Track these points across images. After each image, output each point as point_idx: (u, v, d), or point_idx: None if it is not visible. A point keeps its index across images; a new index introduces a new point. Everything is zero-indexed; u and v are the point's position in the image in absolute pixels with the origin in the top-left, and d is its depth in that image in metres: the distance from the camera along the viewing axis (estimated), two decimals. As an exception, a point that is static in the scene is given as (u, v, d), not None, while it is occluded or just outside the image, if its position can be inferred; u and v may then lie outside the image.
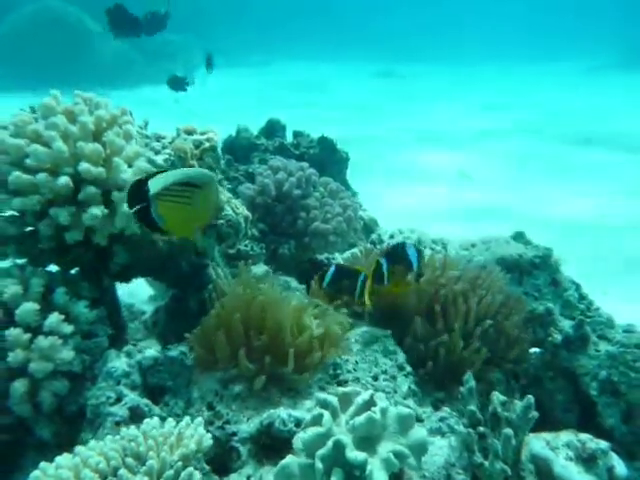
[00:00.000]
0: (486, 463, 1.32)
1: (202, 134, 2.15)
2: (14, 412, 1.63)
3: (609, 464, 1.46)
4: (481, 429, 1.36)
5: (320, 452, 1.25)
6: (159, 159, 1.98)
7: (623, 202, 6.39)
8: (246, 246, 2.73)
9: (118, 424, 1.61)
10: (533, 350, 2.33)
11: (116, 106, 1.95)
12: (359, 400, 1.35)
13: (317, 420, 1.34)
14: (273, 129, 4.07)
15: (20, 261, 1.84)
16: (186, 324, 2.06)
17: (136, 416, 1.64)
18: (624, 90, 14.56)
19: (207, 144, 2.11)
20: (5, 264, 1.83)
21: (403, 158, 8.02)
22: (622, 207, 6.20)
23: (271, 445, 1.61)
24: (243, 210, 2.33)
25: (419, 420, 1.72)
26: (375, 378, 1.84)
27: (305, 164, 3.04)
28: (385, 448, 1.27)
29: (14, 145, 1.72)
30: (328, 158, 3.64)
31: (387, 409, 1.32)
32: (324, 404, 1.37)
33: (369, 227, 3.12)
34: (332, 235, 2.88)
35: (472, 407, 1.41)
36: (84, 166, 1.71)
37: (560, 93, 14.78)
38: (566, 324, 2.32)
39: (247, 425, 1.66)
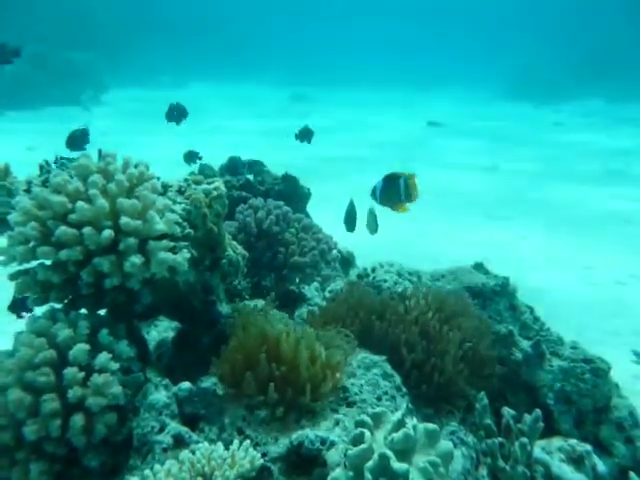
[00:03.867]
0: (507, 467, 1.62)
1: (209, 183, 2.37)
2: (68, 443, 1.80)
3: (593, 463, 1.79)
4: (500, 439, 1.66)
5: (368, 464, 1.51)
6: (177, 208, 2.19)
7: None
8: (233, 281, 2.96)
9: (165, 450, 1.82)
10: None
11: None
12: (393, 419, 1.62)
13: (359, 438, 1.60)
14: (235, 166, 4.30)
15: (58, 305, 2.01)
16: (196, 358, 2.28)
17: (179, 443, 1.85)
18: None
19: (215, 193, 2.33)
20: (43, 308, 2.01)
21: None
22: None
23: (299, 463, 1.86)
24: (241, 250, 2.56)
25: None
26: (379, 399, 2.11)
27: (281, 202, 3.30)
28: (419, 459, 1.55)
29: (58, 202, 1.90)
30: (293, 193, 3.90)
31: (417, 425, 1.60)
32: (362, 424, 1.64)
33: (347, 260, 3.39)
34: (308, 268, 3.15)
35: (488, 421, 1.71)
36: (125, 220, 1.91)
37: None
38: (525, 344, 2.67)
39: (276, 446, 1.89)
